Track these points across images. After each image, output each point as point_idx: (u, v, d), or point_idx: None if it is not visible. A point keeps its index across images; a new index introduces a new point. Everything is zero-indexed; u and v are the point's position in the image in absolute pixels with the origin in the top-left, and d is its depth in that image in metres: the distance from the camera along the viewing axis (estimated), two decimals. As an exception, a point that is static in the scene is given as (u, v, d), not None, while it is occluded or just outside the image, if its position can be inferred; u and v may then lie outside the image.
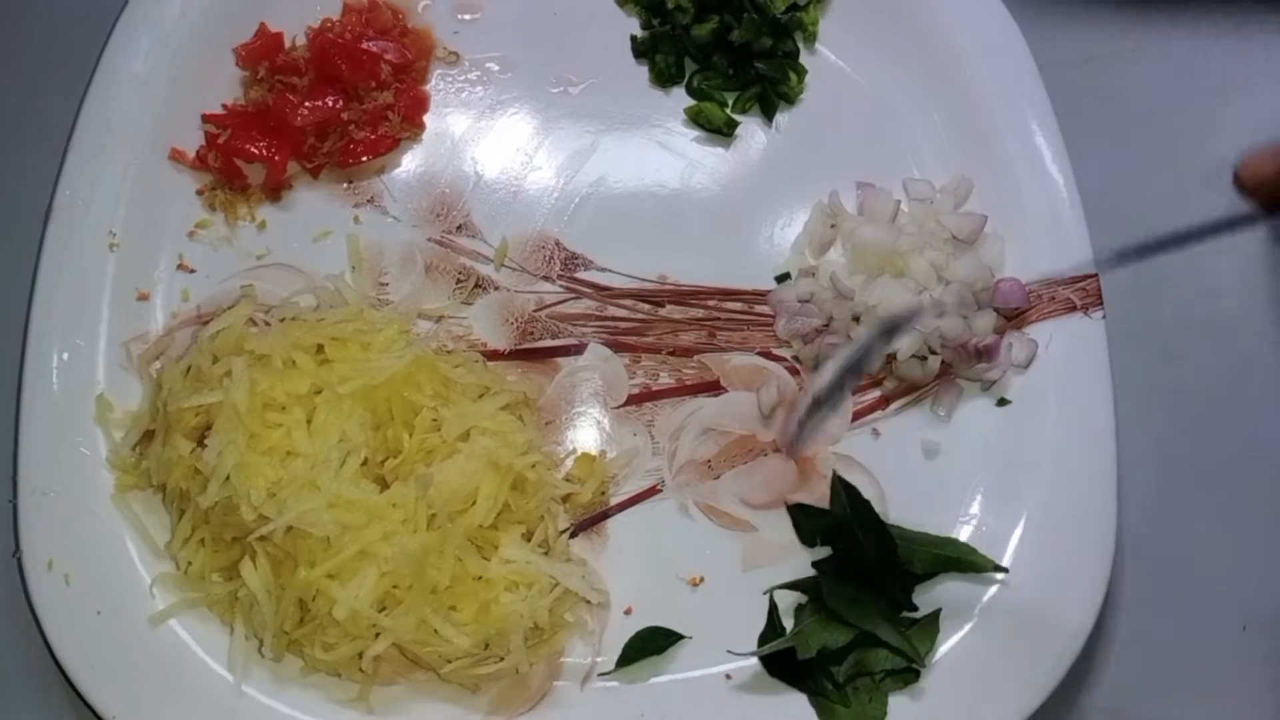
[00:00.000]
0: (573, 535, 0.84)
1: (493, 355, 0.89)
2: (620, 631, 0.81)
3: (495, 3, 0.99)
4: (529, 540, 0.82)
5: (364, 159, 0.93)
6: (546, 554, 0.82)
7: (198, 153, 0.92)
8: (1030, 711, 0.78)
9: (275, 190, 0.93)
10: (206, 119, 0.93)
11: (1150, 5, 1.05)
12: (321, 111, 0.92)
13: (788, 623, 0.82)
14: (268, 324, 0.87)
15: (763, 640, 0.81)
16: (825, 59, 0.98)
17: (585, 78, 0.97)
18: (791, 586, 0.82)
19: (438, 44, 0.98)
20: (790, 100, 0.97)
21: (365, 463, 0.80)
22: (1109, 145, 0.99)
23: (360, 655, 0.77)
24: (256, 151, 0.91)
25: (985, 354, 0.87)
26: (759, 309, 0.91)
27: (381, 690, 0.79)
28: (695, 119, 0.96)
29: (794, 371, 0.90)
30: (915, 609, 0.82)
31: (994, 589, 0.83)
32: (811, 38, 0.98)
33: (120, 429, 0.84)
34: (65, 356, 0.85)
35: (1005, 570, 0.83)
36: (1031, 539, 0.84)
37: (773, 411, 0.88)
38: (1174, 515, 0.90)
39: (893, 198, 0.91)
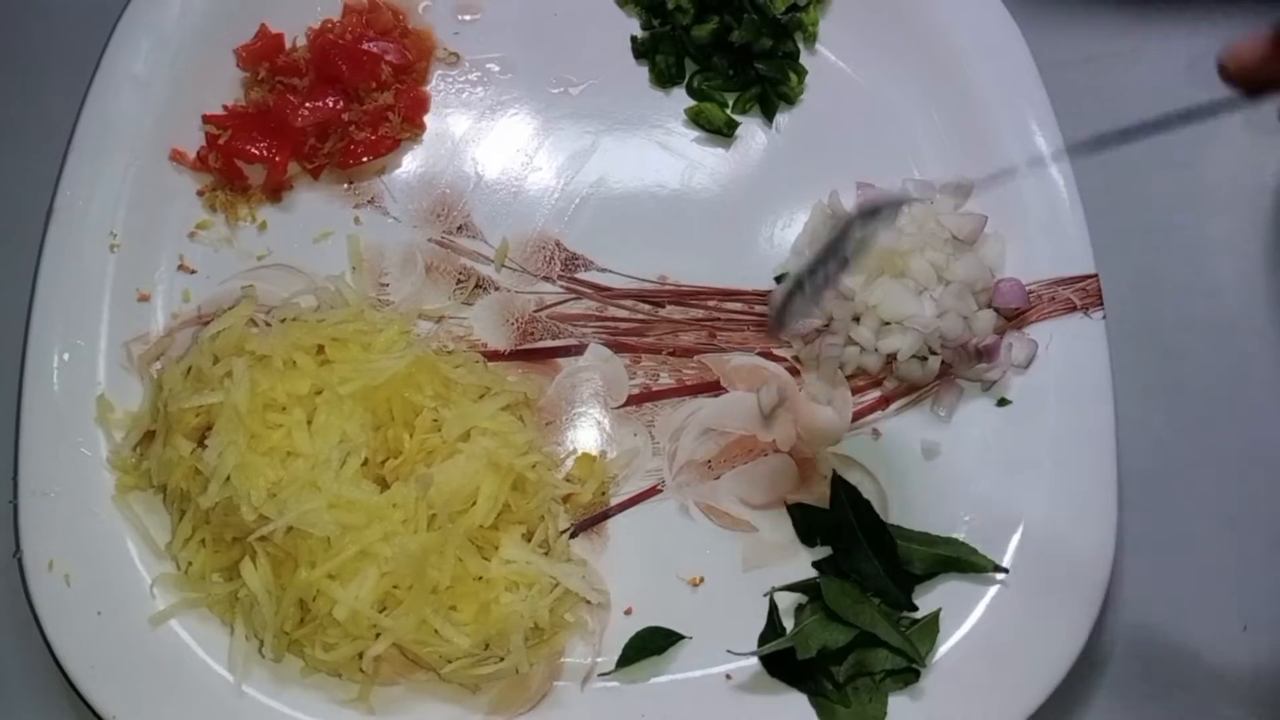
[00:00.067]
0: (573, 535, 0.84)
1: (493, 356, 0.89)
2: (620, 632, 0.81)
3: (495, 3, 0.99)
4: (529, 540, 0.82)
5: (364, 160, 0.93)
6: (547, 554, 0.82)
7: (198, 153, 0.92)
8: (1030, 711, 0.78)
9: (276, 191, 0.93)
10: (207, 120, 0.93)
11: (1150, 5, 1.05)
12: (322, 112, 0.92)
13: (788, 623, 0.82)
14: (268, 324, 0.87)
15: (763, 640, 0.81)
16: (825, 59, 0.98)
17: (585, 78, 0.97)
18: (791, 587, 0.82)
19: (438, 45, 0.98)
20: (790, 101, 0.97)
21: (366, 463, 0.80)
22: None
23: (360, 655, 0.77)
24: (257, 152, 0.92)
25: (985, 354, 0.87)
26: (759, 309, 0.91)
27: (382, 690, 0.79)
28: (695, 119, 0.96)
29: (794, 372, 0.90)
30: (915, 609, 0.82)
31: (994, 589, 0.83)
32: (811, 38, 0.98)
33: (121, 429, 0.84)
34: (66, 357, 0.85)
35: (1005, 570, 0.83)
36: (1031, 539, 0.84)
37: (773, 411, 0.88)
38: (1174, 515, 0.90)
39: (893, 198, 0.91)
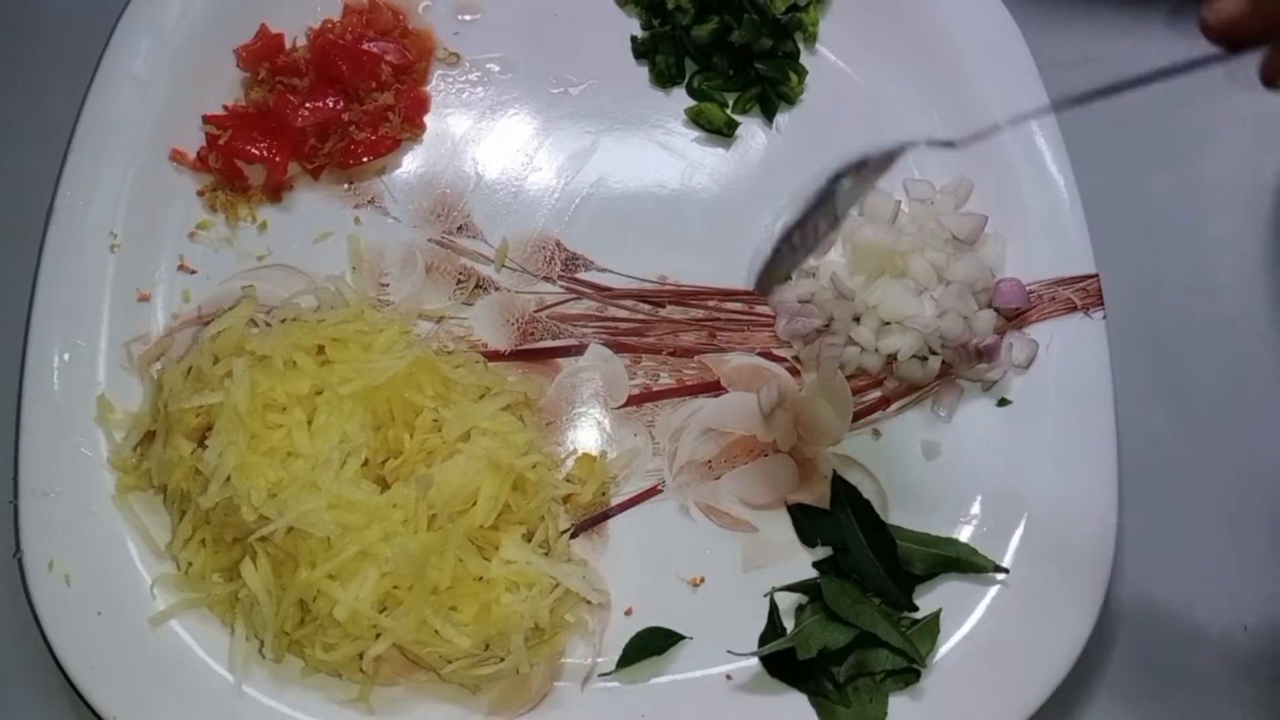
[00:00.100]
0: (573, 536, 0.84)
1: (493, 356, 0.89)
2: (621, 632, 0.81)
3: (495, 3, 0.99)
4: (529, 541, 0.82)
5: (364, 160, 0.93)
6: (547, 554, 0.82)
7: (198, 154, 0.92)
8: (1031, 712, 0.78)
9: (276, 191, 0.93)
10: (207, 120, 0.93)
11: (1150, 5, 1.05)
12: (322, 112, 0.92)
13: (788, 623, 0.82)
14: (268, 325, 0.87)
15: (763, 640, 0.81)
16: (825, 59, 0.99)
17: (585, 78, 0.97)
18: (792, 588, 0.82)
19: (438, 45, 0.98)
20: (790, 101, 0.97)
21: (366, 463, 0.80)
22: (1109, 145, 0.99)
23: (361, 656, 0.77)
24: (257, 152, 0.91)
25: (986, 354, 0.87)
26: (759, 309, 0.91)
27: (382, 691, 0.79)
28: (695, 119, 0.96)
29: (794, 372, 0.90)
30: (915, 609, 0.82)
31: (994, 589, 0.83)
32: (812, 38, 0.98)
33: (121, 429, 0.84)
34: (66, 357, 0.85)
35: (1005, 570, 0.83)
36: (1031, 539, 0.84)
37: (773, 411, 0.88)
38: (1174, 515, 0.90)
39: (893, 198, 0.91)
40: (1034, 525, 0.84)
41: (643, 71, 0.98)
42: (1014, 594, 0.82)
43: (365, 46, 0.94)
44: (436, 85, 0.97)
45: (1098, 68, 1.03)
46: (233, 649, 0.79)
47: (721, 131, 0.96)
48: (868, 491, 0.85)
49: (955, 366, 0.88)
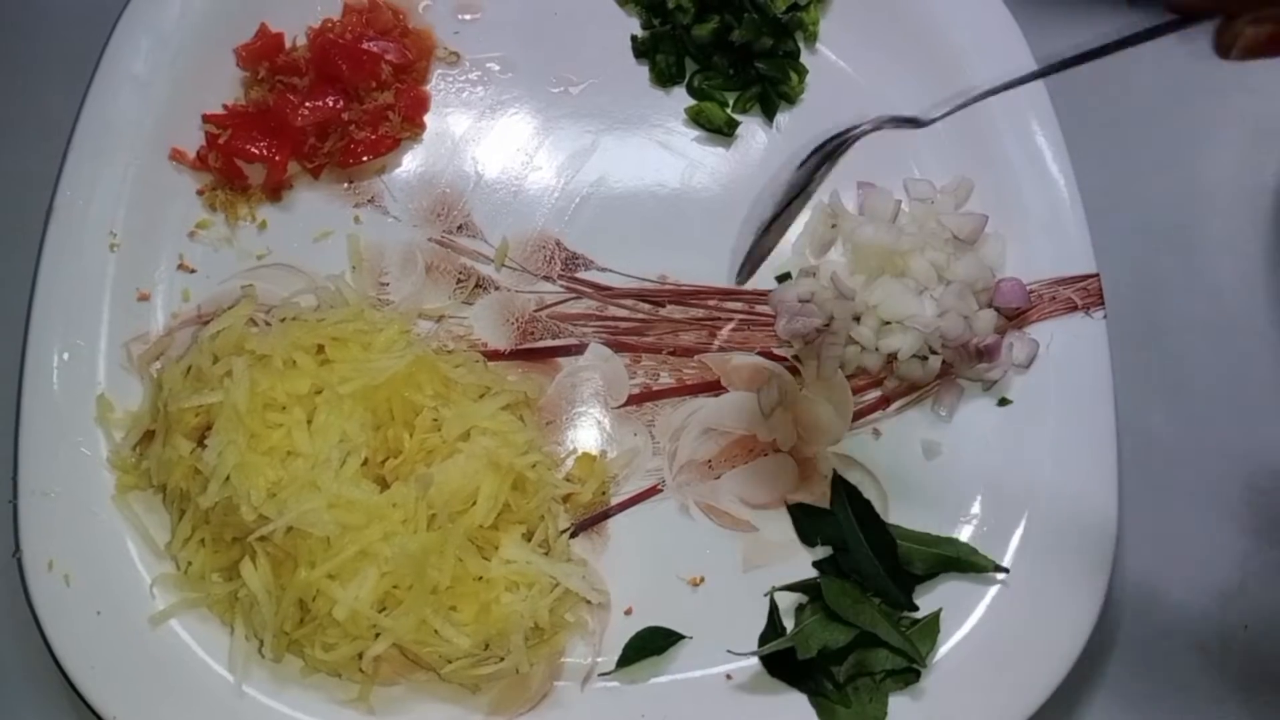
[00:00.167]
0: (573, 535, 0.84)
1: (493, 355, 0.89)
2: (620, 632, 0.81)
3: (495, 3, 0.99)
4: (529, 540, 0.82)
5: (364, 159, 0.93)
6: (547, 554, 0.82)
7: (198, 153, 0.92)
8: (1031, 712, 0.78)
9: (276, 190, 0.93)
10: (207, 119, 0.93)
11: (1150, 5, 1.05)
12: (322, 112, 0.92)
13: (788, 623, 0.82)
14: (268, 324, 0.87)
15: (763, 640, 0.81)
16: (826, 59, 0.98)
17: (586, 78, 0.97)
18: (792, 587, 0.82)
19: (438, 44, 0.98)
20: (791, 100, 0.97)
21: (365, 463, 0.80)
22: (1109, 145, 0.99)
23: (360, 655, 0.77)
24: (257, 151, 0.91)
25: (986, 354, 0.87)
26: (759, 309, 0.91)
27: (382, 690, 0.79)
28: (696, 119, 0.96)
29: (794, 371, 0.90)
30: (915, 609, 0.82)
31: (994, 589, 0.83)
32: (812, 37, 0.98)
33: (121, 429, 0.84)
34: (66, 357, 0.85)
35: (1005, 570, 0.83)
36: (1031, 539, 0.84)
37: (773, 411, 0.88)
38: (1174, 515, 0.90)
39: (893, 198, 0.91)
40: (1034, 525, 0.84)
41: (643, 71, 0.98)
42: (1014, 594, 0.82)
43: (365, 46, 0.94)
44: (436, 84, 0.97)
45: (1098, 68, 1.03)
46: (232, 649, 0.79)
47: (722, 131, 0.96)
48: (868, 491, 0.85)
49: (955, 366, 0.88)
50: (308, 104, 0.92)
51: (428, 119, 0.96)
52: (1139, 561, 0.88)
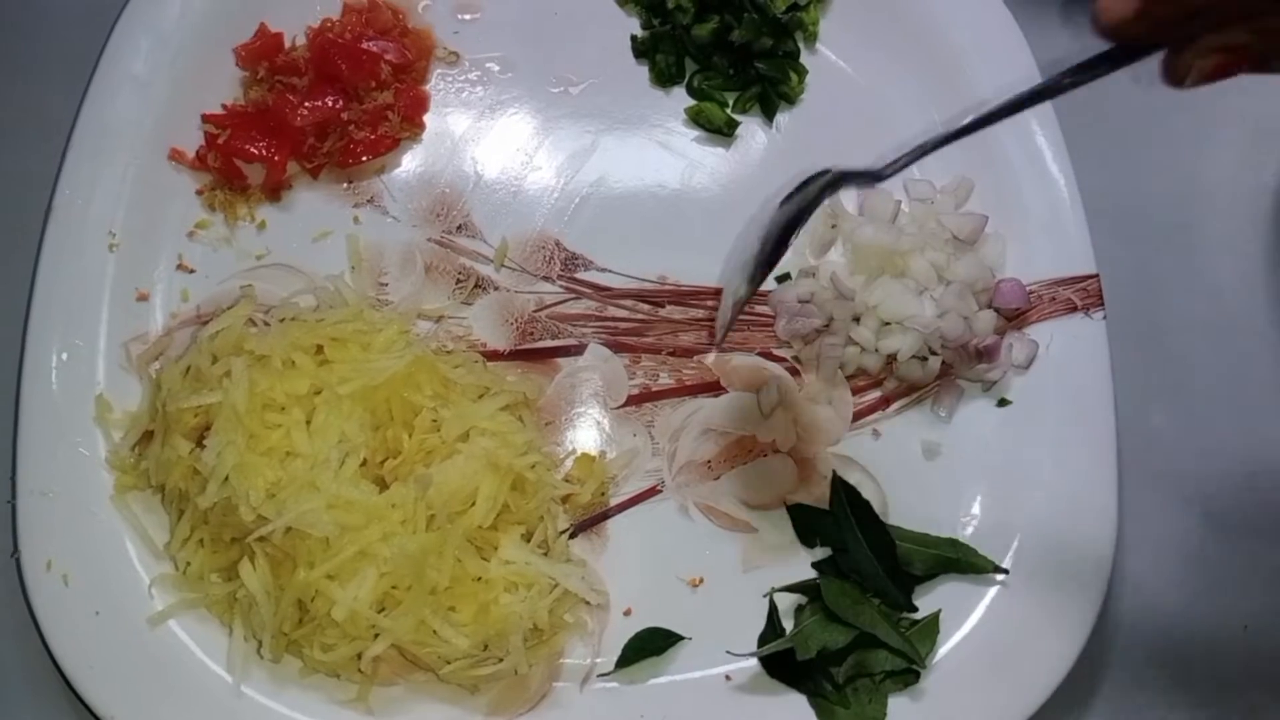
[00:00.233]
0: (572, 536, 0.84)
1: (492, 355, 0.89)
2: (620, 632, 0.81)
3: (495, 3, 0.99)
4: (529, 541, 0.81)
5: (364, 159, 0.93)
6: (546, 555, 0.82)
7: (197, 153, 0.92)
8: (1030, 712, 0.78)
9: (275, 190, 0.93)
10: (206, 119, 0.93)
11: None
12: (321, 111, 0.92)
13: (787, 623, 0.82)
14: (267, 324, 0.86)
15: (762, 641, 0.81)
16: (826, 59, 0.98)
17: (585, 78, 0.97)
18: (791, 588, 0.82)
19: (438, 44, 0.98)
20: (791, 100, 0.97)
21: (364, 463, 0.80)
22: (1109, 145, 0.99)
23: (359, 656, 0.77)
24: (256, 151, 0.91)
25: (986, 354, 0.87)
26: (759, 309, 0.91)
27: (381, 691, 0.79)
28: (695, 119, 0.96)
29: (794, 371, 0.89)
30: (915, 610, 0.82)
31: (994, 589, 0.83)
32: (812, 37, 0.98)
33: (119, 429, 0.84)
34: (64, 357, 0.85)
35: (1005, 571, 0.83)
36: (1031, 539, 0.84)
37: (773, 411, 0.88)
38: (1174, 515, 0.90)
39: (893, 198, 0.91)
40: (1034, 525, 0.84)
41: (643, 71, 0.98)
42: (1014, 594, 0.82)
43: (365, 45, 0.94)
44: (436, 84, 0.97)
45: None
46: (231, 649, 0.79)
47: (721, 131, 0.96)
48: (867, 492, 0.85)
49: (955, 366, 0.88)
50: (307, 104, 0.92)
51: (427, 119, 0.96)
52: (1138, 562, 0.88)
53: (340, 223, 0.92)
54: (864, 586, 0.82)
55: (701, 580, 0.84)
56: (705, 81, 0.97)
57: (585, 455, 0.86)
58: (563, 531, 0.84)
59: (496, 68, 0.98)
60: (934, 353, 0.88)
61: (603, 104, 0.97)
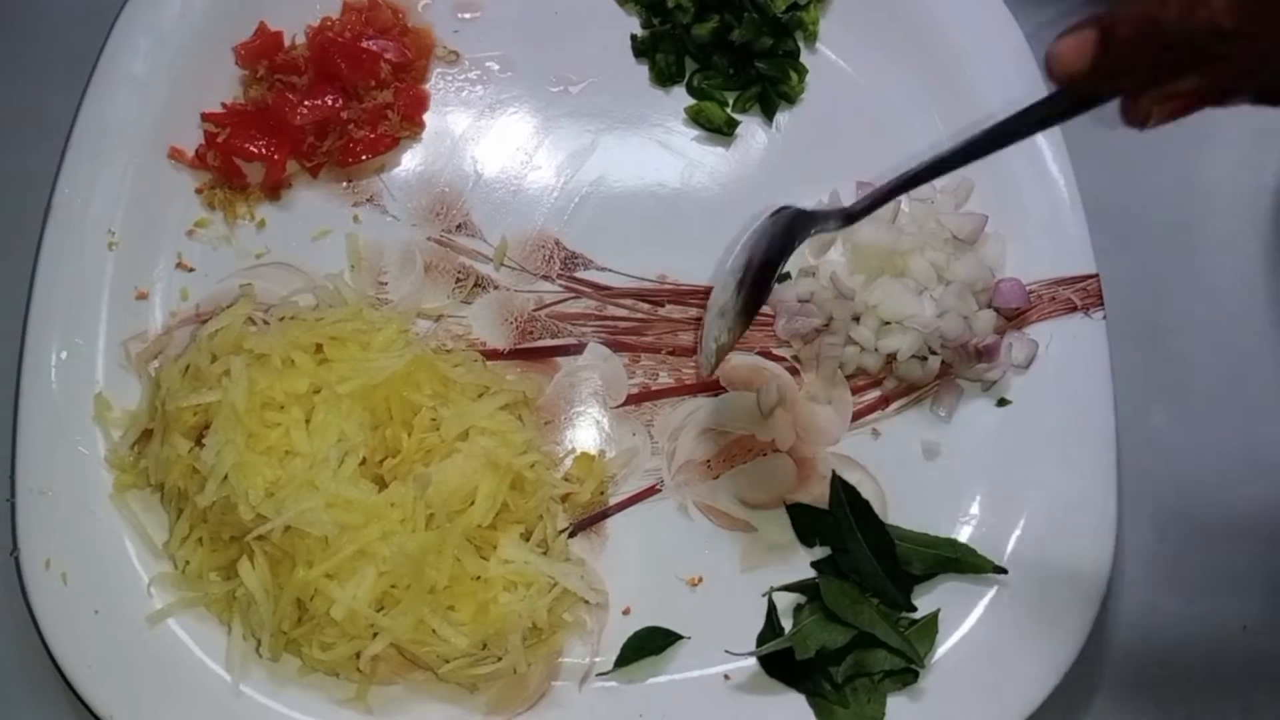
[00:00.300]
0: (571, 535, 0.84)
1: (492, 355, 0.89)
2: (619, 631, 0.81)
3: (495, 2, 0.99)
4: (528, 540, 0.81)
5: (363, 158, 0.93)
6: (545, 554, 0.82)
7: (197, 152, 0.92)
8: (1029, 712, 0.78)
9: (274, 189, 0.93)
10: (206, 118, 0.93)
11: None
12: (321, 110, 0.92)
13: (786, 623, 0.82)
14: (266, 323, 0.86)
15: (761, 640, 0.81)
16: (826, 58, 0.98)
17: (585, 77, 0.97)
18: (790, 588, 0.82)
19: (438, 43, 0.98)
20: (791, 100, 0.97)
21: (364, 462, 0.80)
22: (1109, 145, 0.99)
23: (358, 655, 0.77)
24: (256, 150, 0.91)
25: (985, 354, 0.87)
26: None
27: (380, 690, 0.79)
28: (695, 118, 0.96)
29: (794, 371, 0.89)
30: (914, 609, 0.82)
31: (994, 589, 0.83)
32: (812, 37, 0.98)
33: (119, 428, 0.84)
34: (64, 355, 0.85)
35: (1005, 570, 0.83)
36: (1031, 539, 0.84)
37: (773, 411, 0.88)
38: (1174, 515, 0.89)
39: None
40: (1034, 525, 0.84)
41: (643, 70, 0.98)
42: (1013, 594, 0.82)
43: (364, 44, 0.94)
44: (436, 83, 0.97)
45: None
46: (230, 648, 0.79)
47: (721, 130, 0.96)
48: (867, 491, 0.84)
49: (955, 366, 0.88)
50: (306, 103, 0.92)
51: (427, 118, 0.96)
52: (1138, 562, 0.88)
53: (340, 221, 0.92)
54: (863, 586, 0.82)
55: (700, 579, 0.84)
56: (705, 81, 0.97)
57: (584, 454, 0.86)
58: (562, 530, 0.84)
59: (496, 67, 0.98)
60: (934, 352, 0.88)
61: (602, 103, 0.97)
